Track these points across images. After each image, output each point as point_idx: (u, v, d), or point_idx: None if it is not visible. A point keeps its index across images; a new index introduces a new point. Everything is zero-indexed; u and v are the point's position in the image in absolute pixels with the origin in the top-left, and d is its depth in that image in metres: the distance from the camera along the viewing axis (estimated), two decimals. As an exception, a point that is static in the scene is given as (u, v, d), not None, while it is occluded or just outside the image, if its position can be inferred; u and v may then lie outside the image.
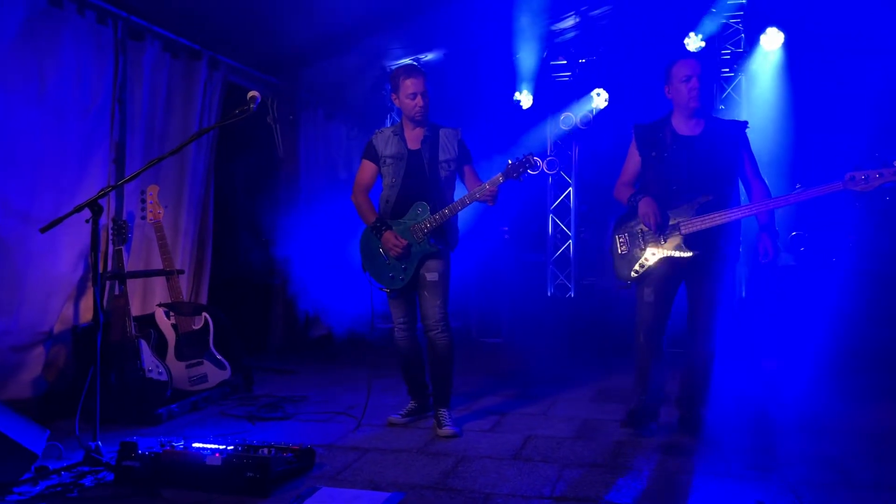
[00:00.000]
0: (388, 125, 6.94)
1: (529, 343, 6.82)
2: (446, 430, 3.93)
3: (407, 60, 7.82)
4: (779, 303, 6.24)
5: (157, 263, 4.91)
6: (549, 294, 8.65)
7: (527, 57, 7.78)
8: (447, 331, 4.05)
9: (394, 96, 4.11)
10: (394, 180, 4.06)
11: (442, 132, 4.11)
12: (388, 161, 4.07)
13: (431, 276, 4.00)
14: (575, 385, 5.27)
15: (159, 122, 5.18)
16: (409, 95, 4.00)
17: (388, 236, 3.98)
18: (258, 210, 6.48)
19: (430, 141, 4.07)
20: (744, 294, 6.93)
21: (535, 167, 3.88)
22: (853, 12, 7.07)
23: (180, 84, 5.41)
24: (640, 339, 3.81)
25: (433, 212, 3.95)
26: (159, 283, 5.08)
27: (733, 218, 3.60)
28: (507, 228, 8.41)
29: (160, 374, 4.35)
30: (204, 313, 4.87)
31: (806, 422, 4.15)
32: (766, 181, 3.81)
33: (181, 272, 5.07)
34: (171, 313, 4.76)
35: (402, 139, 4.08)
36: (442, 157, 4.06)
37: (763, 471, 3.32)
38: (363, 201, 4.13)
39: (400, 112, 4.14)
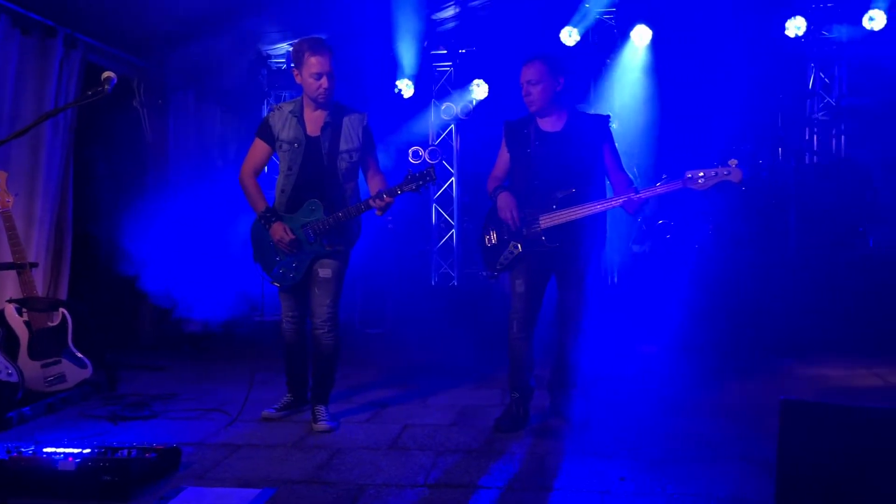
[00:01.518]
0: (266, 111, 6.72)
1: (413, 332, 6.82)
2: (321, 426, 3.84)
3: (284, 45, 7.63)
4: (647, 288, 6.52)
5: (7, 256, 4.53)
6: (432, 283, 8.69)
7: (408, 46, 7.74)
8: (334, 330, 3.93)
9: (295, 72, 3.84)
10: (289, 169, 3.85)
11: (346, 118, 3.88)
12: (285, 147, 3.85)
13: (324, 273, 3.86)
14: (455, 373, 5.30)
15: (8, 105, 4.79)
16: (313, 75, 3.73)
17: (277, 228, 3.81)
18: (125, 198, 6.13)
19: (332, 127, 3.84)
20: (616, 280, 7.21)
21: (435, 180, 3.80)
22: (717, 13, 7.48)
23: (33, 63, 5.03)
24: (513, 330, 3.87)
25: (328, 211, 3.80)
26: (10, 278, 4.70)
27: (590, 212, 3.71)
28: (391, 218, 8.36)
29: (10, 375, 4.03)
30: (61, 309, 4.55)
31: (673, 401, 4.35)
32: (636, 171, 3.95)
33: (34, 265, 4.70)
34: (24, 309, 4.42)
35: (301, 122, 3.84)
36: (343, 146, 3.85)
37: (629, 449, 3.46)
38: (251, 185, 3.92)
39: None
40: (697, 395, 4.52)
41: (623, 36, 7.89)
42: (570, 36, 7.69)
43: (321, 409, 3.94)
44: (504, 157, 3.98)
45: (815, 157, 7.85)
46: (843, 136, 7.89)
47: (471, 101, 8.32)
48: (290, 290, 4.00)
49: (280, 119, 3.88)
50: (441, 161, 8.66)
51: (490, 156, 4.16)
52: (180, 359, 5.98)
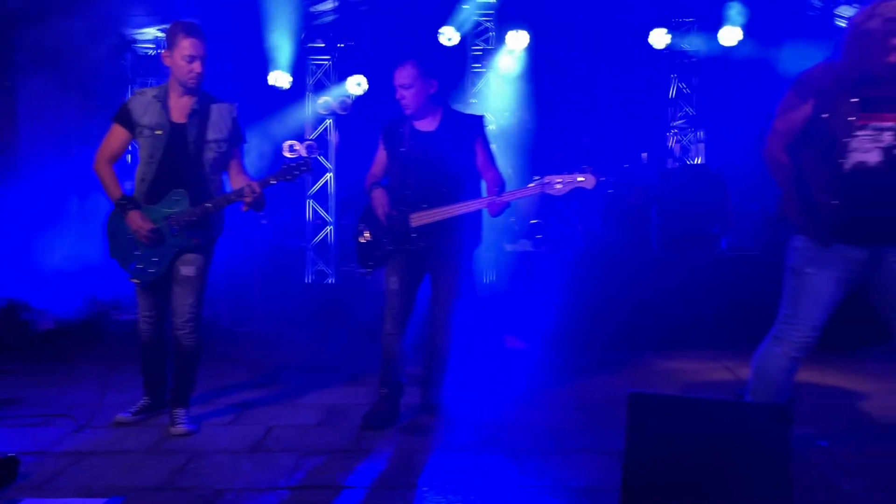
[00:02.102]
0: (129, 95, 6.36)
1: (284, 331, 6.67)
2: (179, 429, 3.66)
3: (152, 30, 7.25)
4: (521, 286, 6.68)
5: None
6: (307, 281, 8.53)
7: (283, 37, 7.55)
8: (196, 332, 3.74)
9: (165, 53, 3.62)
10: (151, 157, 3.62)
11: (215, 107, 3.70)
12: (146, 132, 3.61)
13: (187, 271, 3.66)
14: (327, 371, 5.20)
15: None
16: (185, 58, 3.54)
17: (134, 217, 3.58)
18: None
19: (200, 115, 3.65)
20: (494, 279, 7.33)
21: (311, 170, 3.71)
22: (590, 20, 7.77)
23: None
24: (386, 326, 3.87)
25: (193, 202, 3.60)
26: None
27: (457, 212, 3.74)
28: (264, 213, 8.12)
29: None
30: None
31: (535, 397, 4.45)
32: (510, 172, 4.01)
33: None
34: None
35: (166, 108, 3.62)
36: (211, 136, 3.66)
37: (493, 444, 3.52)
38: (105, 172, 3.67)
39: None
40: (559, 390, 4.64)
41: (501, 38, 8.06)
42: (448, 36, 7.76)
43: (180, 411, 3.75)
44: (381, 155, 3.99)
45: (675, 163, 8.34)
46: (700, 144, 8.44)
47: (349, 96, 8.23)
48: (148, 287, 3.78)
49: (142, 104, 3.67)
50: (318, 156, 8.52)
51: (368, 151, 4.14)
52: (27, 361, 5.53)
